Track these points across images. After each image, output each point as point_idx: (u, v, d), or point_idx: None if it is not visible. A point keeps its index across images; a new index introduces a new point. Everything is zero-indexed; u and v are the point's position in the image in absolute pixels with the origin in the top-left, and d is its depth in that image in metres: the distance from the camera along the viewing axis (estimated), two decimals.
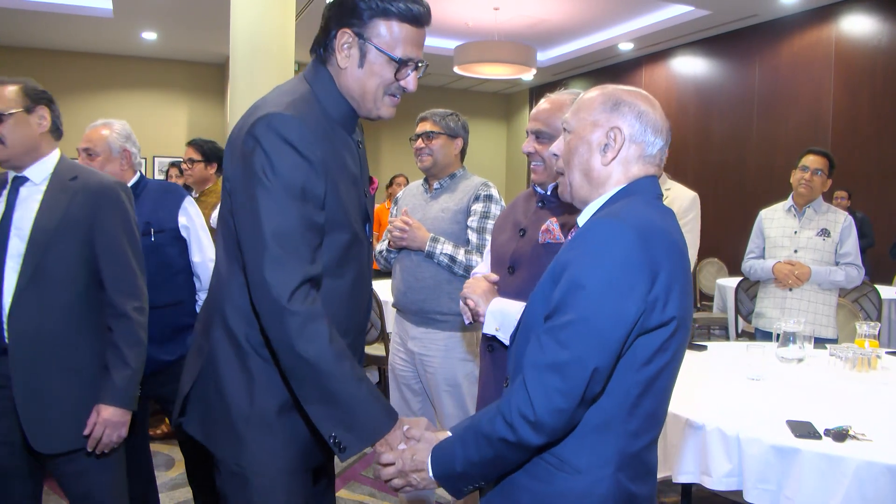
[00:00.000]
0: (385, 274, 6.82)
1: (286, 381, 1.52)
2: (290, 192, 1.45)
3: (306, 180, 1.47)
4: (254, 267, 1.45)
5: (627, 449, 1.33)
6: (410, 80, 1.63)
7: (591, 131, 1.43)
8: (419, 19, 1.59)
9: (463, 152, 3.02)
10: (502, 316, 1.95)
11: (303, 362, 1.43)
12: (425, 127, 2.96)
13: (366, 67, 1.58)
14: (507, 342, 1.88)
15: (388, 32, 1.56)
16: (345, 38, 1.56)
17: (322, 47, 1.62)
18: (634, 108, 1.42)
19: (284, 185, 1.44)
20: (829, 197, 6.98)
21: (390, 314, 4.53)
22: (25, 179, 2.14)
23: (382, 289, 4.82)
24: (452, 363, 2.83)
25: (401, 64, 1.58)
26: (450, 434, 1.50)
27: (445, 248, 2.79)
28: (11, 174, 2.16)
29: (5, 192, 2.14)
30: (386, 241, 3.02)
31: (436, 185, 2.99)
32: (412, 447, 1.47)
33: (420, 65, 1.62)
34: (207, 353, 1.61)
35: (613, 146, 1.41)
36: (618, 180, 1.43)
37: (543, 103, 2.12)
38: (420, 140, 2.95)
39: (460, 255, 2.76)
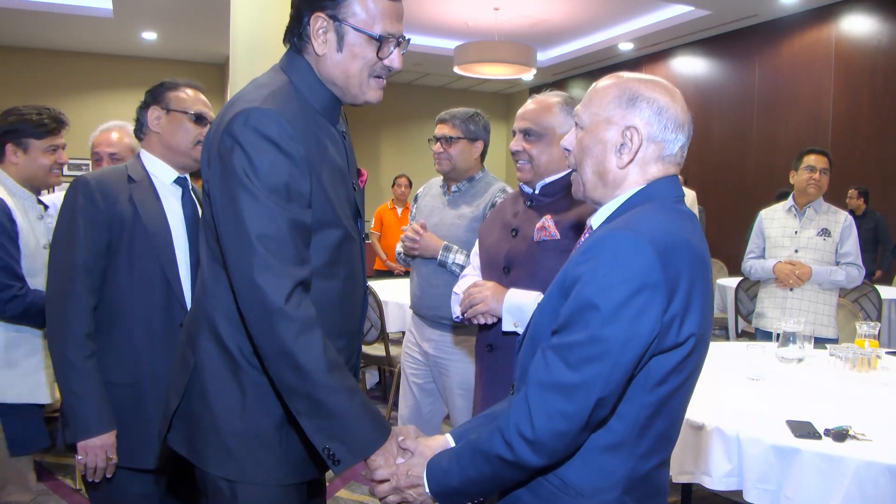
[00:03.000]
0: (387, 273, 6.88)
1: (279, 393, 1.44)
2: (274, 193, 1.36)
3: (290, 178, 1.38)
4: (242, 272, 1.36)
5: (636, 471, 1.25)
6: (395, 57, 1.52)
7: (605, 129, 1.31)
8: None
9: (483, 153, 2.96)
10: (518, 311, 1.95)
11: (296, 373, 1.35)
12: (444, 131, 2.90)
13: (345, 51, 1.48)
14: None
15: (363, 10, 1.46)
16: (319, 22, 1.46)
17: (295, 36, 1.52)
18: (653, 104, 1.29)
19: (267, 185, 1.36)
20: (842, 195, 7.00)
21: (389, 315, 4.54)
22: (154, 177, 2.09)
23: (383, 288, 4.82)
24: (466, 367, 2.82)
25: (382, 41, 1.47)
26: (447, 438, 1.47)
27: (458, 257, 2.77)
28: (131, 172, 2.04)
29: (166, 192, 2.07)
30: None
31: (454, 188, 2.95)
32: (407, 462, 1.41)
33: (402, 40, 1.52)
34: (194, 366, 1.51)
35: (630, 147, 1.29)
36: (635, 181, 1.31)
37: (530, 104, 2.14)
38: (438, 144, 2.89)
39: None
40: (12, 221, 2.33)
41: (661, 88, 1.32)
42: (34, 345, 2.42)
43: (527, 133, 2.09)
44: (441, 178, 3.06)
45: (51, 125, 2.46)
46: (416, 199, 3.16)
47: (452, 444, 1.46)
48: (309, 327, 1.36)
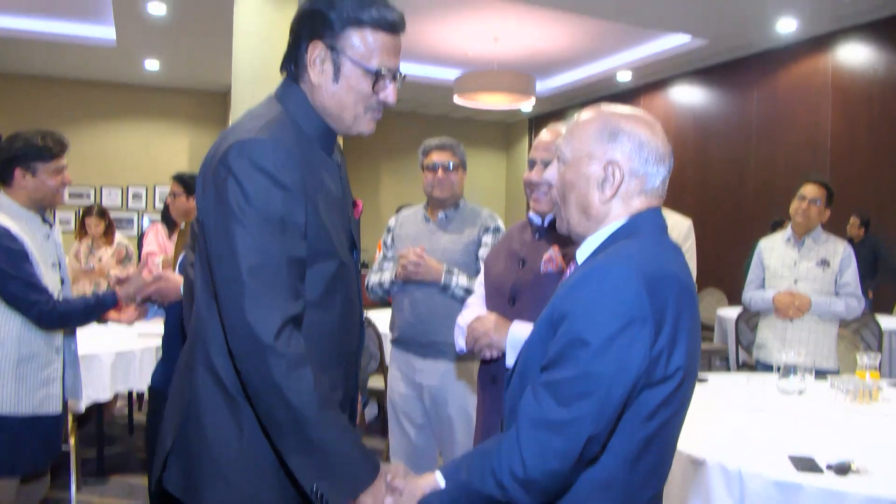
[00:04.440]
0: (387, 304, 6.77)
1: None
2: (268, 225, 1.34)
3: (284, 210, 1.36)
4: (232, 307, 1.34)
5: None
6: (390, 92, 1.52)
7: (587, 164, 1.31)
8: (394, 26, 1.48)
9: None
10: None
11: (286, 410, 1.33)
12: (447, 158, 2.94)
13: (341, 82, 1.48)
14: None
15: (362, 43, 1.45)
16: (317, 51, 1.46)
17: (293, 63, 1.51)
18: (634, 138, 1.30)
19: (261, 216, 1.34)
20: (841, 222, 7.00)
21: (389, 346, 4.51)
22: None
23: (382, 319, 4.78)
24: (464, 393, 2.81)
25: (378, 75, 1.48)
26: (437, 476, 1.44)
27: (461, 279, 2.79)
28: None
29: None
30: (389, 273, 2.97)
31: (440, 214, 2.97)
32: (396, 502, 1.38)
33: (398, 75, 1.52)
34: (189, 401, 1.48)
35: (612, 182, 1.30)
36: (619, 214, 1.32)
37: (547, 134, 2.11)
38: (441, 171, 2.92)
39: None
40: (15, 240, 2.40)
41: (641, 122, 1.32)
42: (47, 358, 2.50)
43: (550, 165, 2.07)
44: (418, 207, 3.10)
45: (55, 148, 2.55)
46: (388, 230, 3.15)
47: (442, 483, 1.43)
48: (299, 363, 1.33)
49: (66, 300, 2.49)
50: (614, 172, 1.30)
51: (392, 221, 3.17)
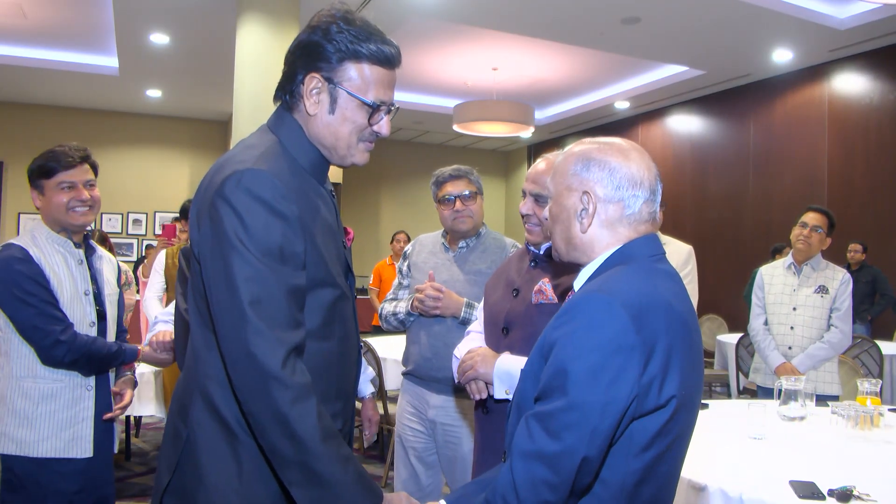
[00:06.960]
0: (381, 330, 6.76)
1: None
2: (267, 255, 1.33)
3: (283, 240, 1.35)
4: (234, 340, 1.31)
5: None
6: (384, 125, 1.52)
7: (567, 196, 1.35)
8: (391, 61, 1.49)
9: None
10: (509, 378, 1.91)
11: (291, 442, 1.30)
12: (463, 187, 2.77)
13: (337, 113, 1.48)
14: None
15: (358, 75, 1.46)
16: (313, 83, 1.46)
17: (287, 93, 1.51)
18: (605, 166, 1.32)
19: (260, 247, 1.32)
20: (839, 250, 7.03)
21: (388, 372, 4.50)
22: None
23: (380, 345, 4.78)
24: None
25: (374, 108, 1.48)
26: (440, 503, 1.44)
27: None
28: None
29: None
30: (405, 303, 2.83)
31: (461, 244, 2.82)
32: None
33: (392, 108, 1.53)
34: (186, 438, 1.44)
35: (588, 211, 1.32)
36: (608, 243, 1.33)
37: (541, 163, 2.09)
38: (459, 202, 2.76)
39: None
40: (31, 263, 2.24)
41: (614, 150, 1.34)
42: (74, 395, 2.30)
43: (538, 197, 2.04)
44: (435, 234, 2.96)
45: (64, 160, 2.32)
46: (405, 257, 2.99)
47: None
48: (305, 394, 1.32)
49: (91, 336, 2.28)
50: (588, 201, 1.32)
51: (409, 248, 3.01)
